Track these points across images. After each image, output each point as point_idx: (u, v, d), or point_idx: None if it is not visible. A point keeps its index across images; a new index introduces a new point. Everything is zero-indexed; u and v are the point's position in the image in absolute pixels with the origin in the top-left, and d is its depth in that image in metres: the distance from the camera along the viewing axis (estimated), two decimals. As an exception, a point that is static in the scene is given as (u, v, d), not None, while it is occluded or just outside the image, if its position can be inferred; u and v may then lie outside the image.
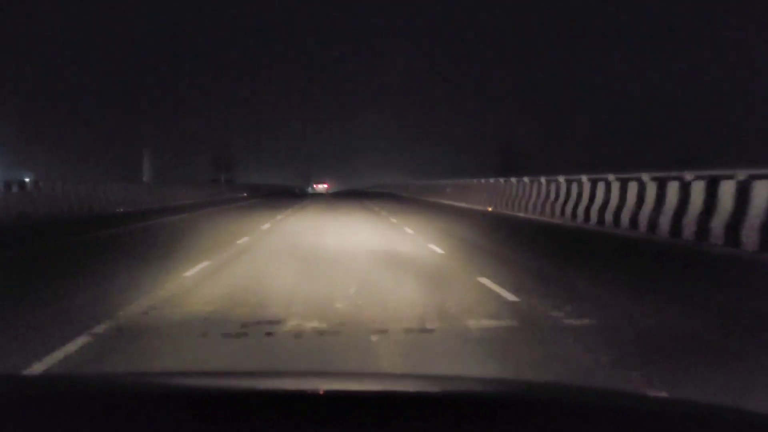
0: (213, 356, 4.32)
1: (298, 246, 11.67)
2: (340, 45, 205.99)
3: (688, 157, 43.97)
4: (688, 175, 12.82)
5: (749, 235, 10.50)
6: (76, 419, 1.13)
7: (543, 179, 20.22)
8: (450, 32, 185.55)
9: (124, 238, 13.86)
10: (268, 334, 4.77)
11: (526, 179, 22.28)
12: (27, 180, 26.00)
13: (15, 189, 20.70)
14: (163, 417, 1.14)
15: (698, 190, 12.26)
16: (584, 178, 17.43)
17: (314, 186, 63.78)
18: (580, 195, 17.36)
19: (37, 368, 3.82)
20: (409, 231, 15.25)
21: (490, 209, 24.99)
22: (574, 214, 17.43)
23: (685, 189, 12.67)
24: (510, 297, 6.40)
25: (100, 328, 5.02)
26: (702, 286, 7.63)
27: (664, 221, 13.13)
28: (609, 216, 15.35)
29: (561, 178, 19.11)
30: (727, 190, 11.36)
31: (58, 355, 4.18)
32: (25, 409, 1.18)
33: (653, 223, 13.45)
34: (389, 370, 3.88)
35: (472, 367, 3.99)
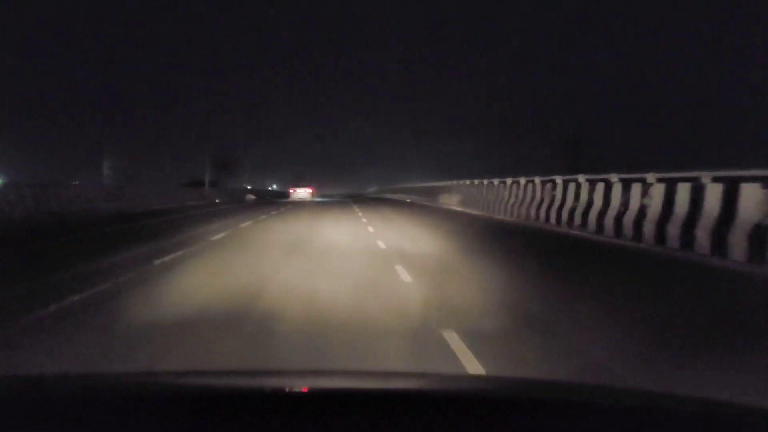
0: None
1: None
2: (349, 32, 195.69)
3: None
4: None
5: None
6: (71, 419, 1.14)
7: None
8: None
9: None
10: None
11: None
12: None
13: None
14: (149, 416, 1.13)
15: None
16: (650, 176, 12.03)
17: (292, 191, 44.85)
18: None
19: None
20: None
21: None
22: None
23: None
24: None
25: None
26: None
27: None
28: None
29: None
30: None
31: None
32: (26, 409, 1.18)
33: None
34: None
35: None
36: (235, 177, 71.01)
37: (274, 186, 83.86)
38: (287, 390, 1.33)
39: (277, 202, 35.99)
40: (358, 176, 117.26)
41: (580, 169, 16.48)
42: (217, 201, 35.87)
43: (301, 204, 31.36)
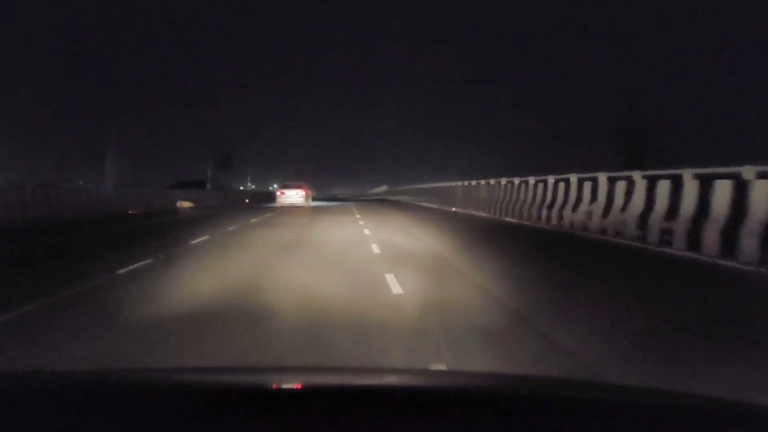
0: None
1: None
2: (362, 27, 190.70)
3: None
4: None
5: None
6: (72, 413, 1.16)
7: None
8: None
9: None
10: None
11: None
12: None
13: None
14: (144, 414, 1.15)
15: None
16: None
17: (280, 192, 31.70)
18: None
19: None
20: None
21: None
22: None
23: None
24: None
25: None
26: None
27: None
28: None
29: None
30: None
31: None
32: (28, 405, 1.20)
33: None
34: None
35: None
36: (230, 175, 70.90)
37: (275, 186, 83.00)
38: (274, 387, 1.37)
39: (249, 209, 27.32)
40: (365, 175, 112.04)
41: (646, 164, 14.56)
42: (129, 212, 22.95)
43: (274, 216, 20.66)
